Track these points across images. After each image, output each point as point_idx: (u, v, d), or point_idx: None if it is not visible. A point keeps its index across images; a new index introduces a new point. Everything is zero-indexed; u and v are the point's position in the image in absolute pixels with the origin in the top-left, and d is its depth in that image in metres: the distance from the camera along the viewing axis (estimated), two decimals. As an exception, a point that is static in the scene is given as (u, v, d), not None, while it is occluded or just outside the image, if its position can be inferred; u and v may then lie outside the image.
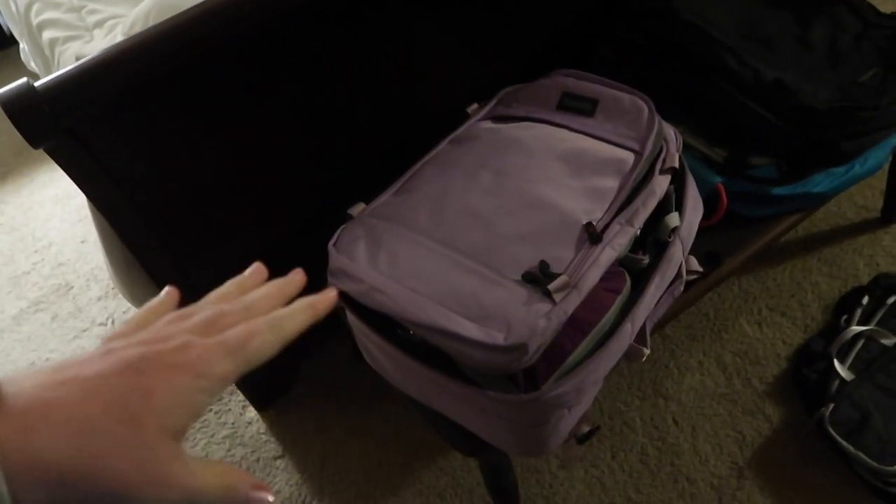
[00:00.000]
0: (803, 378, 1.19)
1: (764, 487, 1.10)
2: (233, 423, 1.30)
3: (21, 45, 1.49)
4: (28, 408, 0.27)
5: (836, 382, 1.13)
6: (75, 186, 0.80)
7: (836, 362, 1.15)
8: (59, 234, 1.73)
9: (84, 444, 0.27)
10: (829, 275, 1.33)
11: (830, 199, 1.01)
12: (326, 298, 0.38)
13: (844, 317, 1.24)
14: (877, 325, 1.20)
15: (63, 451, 0.27)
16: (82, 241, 1.69)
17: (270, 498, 0.33)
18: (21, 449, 0.26)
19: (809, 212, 1.01)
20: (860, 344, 1.18)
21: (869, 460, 1.04)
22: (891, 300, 1.23)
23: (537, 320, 0.66)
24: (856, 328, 1.19)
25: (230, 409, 1.31)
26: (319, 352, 1.33)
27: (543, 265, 0.71)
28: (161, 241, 0.90)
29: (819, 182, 0.97)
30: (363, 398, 1.28)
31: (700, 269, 0.88)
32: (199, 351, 0.32)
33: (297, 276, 0.39)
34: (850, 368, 1.15)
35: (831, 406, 1.10)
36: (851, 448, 1.05)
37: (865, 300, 1.24)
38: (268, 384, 1.28)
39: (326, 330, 1.29)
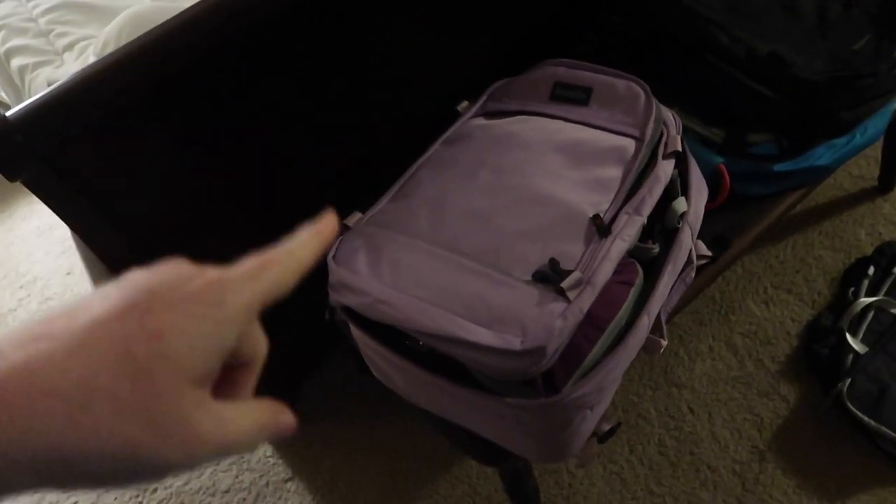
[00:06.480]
0: (815, 354, 1.17)
1: (786, 469, 1.08)
2: (238, 448, 1.26)
3: (-11, 77, 1.45)
4: (7, 376, 0.22)
5: (850, 356, 1.12)
6: (56, 217, 0.77)
7: (847, 336, 1.13)
8: (43, 268, 1.68)
9: (76, 411, 0.22)
10: (831, 248, 1.32)
11: (833, 172, 0.99)
12: (329, 223, 0.33)
13: (852, 289, 1.22)
14: (885, 295, 1.18)
15: (50, 426, 0.22)
16: (68, 273, 1.65)
17: (291, 419, 0.30)
18: None
19: (813, 186, 0.99)
20: (870, 315, 1.17)
21: (891, 433, 1.03)
22: (897, 269, 1.21)
23: (553, 321, 0.63)
24: (864, 300, 1.18)
25: (234, 434, 1.28)
26: (319, 369, 1.30)
27: (553, 262, 0.68)
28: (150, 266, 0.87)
29: (821, 155, 0.95)
30: (369, 412, 1.25)
31: (709, 253, 0.86)
32: (216, 276, 0.27)
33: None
34: (863, 341, 1.13)
35: (848, 381, 1.08)
36: (872, 422, 1.04)
37: (871, 271, 1.23)
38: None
39: (324, 346, 1.25)
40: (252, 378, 0.31)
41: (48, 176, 0.71)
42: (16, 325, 0.25)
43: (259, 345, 0.31)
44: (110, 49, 0.84)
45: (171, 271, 0.27)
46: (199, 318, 0.26)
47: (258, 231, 0.95)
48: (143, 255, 0.84)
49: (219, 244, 0.92)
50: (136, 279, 0.26)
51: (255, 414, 0.28)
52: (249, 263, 0.29)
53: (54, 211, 0.75)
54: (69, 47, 0.96)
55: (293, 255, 0.31)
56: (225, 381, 0.29)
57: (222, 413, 0.26)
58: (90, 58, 0.90)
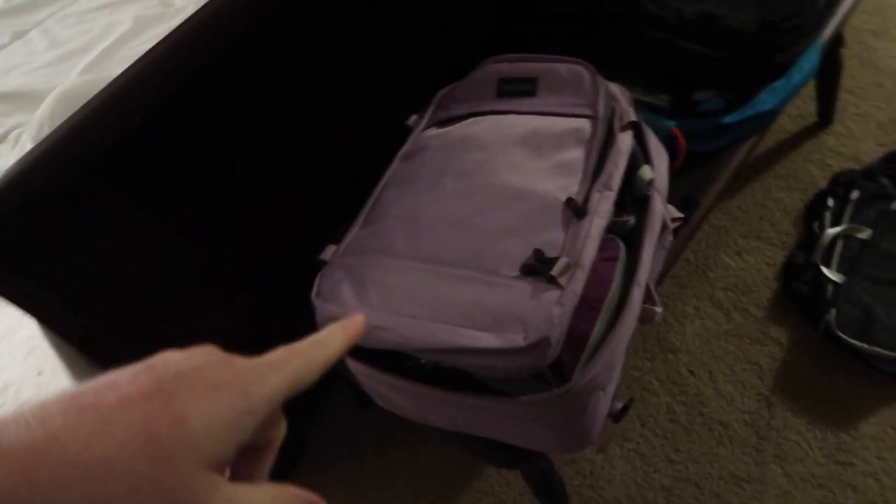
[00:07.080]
0: (796, 293, 1.19)
1: (795, 409, 1.10)
2: None
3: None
4: (31, 446, 0.23)
5: (830, 287, 1.14)
6: (16, 318, 0.73)
7: (823, 269, 1.16)
8: (12, 373, 1.61)
9: (93, 485, 0.23)
10: (788, 188, 1.35)
11: (779, 114, 1.02)
12: (356, 321, 0.35)
13: (816, 223, 1.26)
14: (849, 222, 1.22)
15: (67, 498, 0.23)
16: (39, 374, 1.58)
17: None
18: (17, 499, 0.22)
19: (763, 131, 1.01)
20: (839, 244, 1.20)
21: (885, 352, 1.05)
22: (854, 195, 1.25)
23: (551, 309, 0.63)
24: (831, 231, 1.21)
25: (246, 496, 1.24)
26: (322, 411, 1.27)
27: (538, 253, 0.68)
28: (130, 349, 0.84)
29: (765, 100, 0.97)
30: (378, 444, 1.23)
31: (681, 214, 0.87)
32: (244, 366, 0.29)
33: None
34: (839, 270, 1.16)
35: (833, 311, 1.10)
36: (866, 346, 1.06)
37: (830, 202, 1.26)
38: (279, 457, 1.21)
39: (322, 388, 1.23)
40: (268, 461, 0.32)
41: (10, 275, 0.68)
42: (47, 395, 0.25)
43: (278, 430, 0.32)
44: (45, 132, 0.81)
45: (201, 357, 0.28)
46: (224, 407, 0.27)
47: (236, 288, 0.93)
48: (120, 337, 0.81)
49: (195, 309, 0.90)
50: (167, 362, 0.27)
51: (271, 496, 0.29)
52: (276, 354, 0.31)
53: (19, 307, 0.72)
54: (2, 139, 0.93)
55: (319, 348, 0.32)
56: (241, 462, 0.30)
57: (237, 494, 0.27)
58: (27, 144, 0.87)
